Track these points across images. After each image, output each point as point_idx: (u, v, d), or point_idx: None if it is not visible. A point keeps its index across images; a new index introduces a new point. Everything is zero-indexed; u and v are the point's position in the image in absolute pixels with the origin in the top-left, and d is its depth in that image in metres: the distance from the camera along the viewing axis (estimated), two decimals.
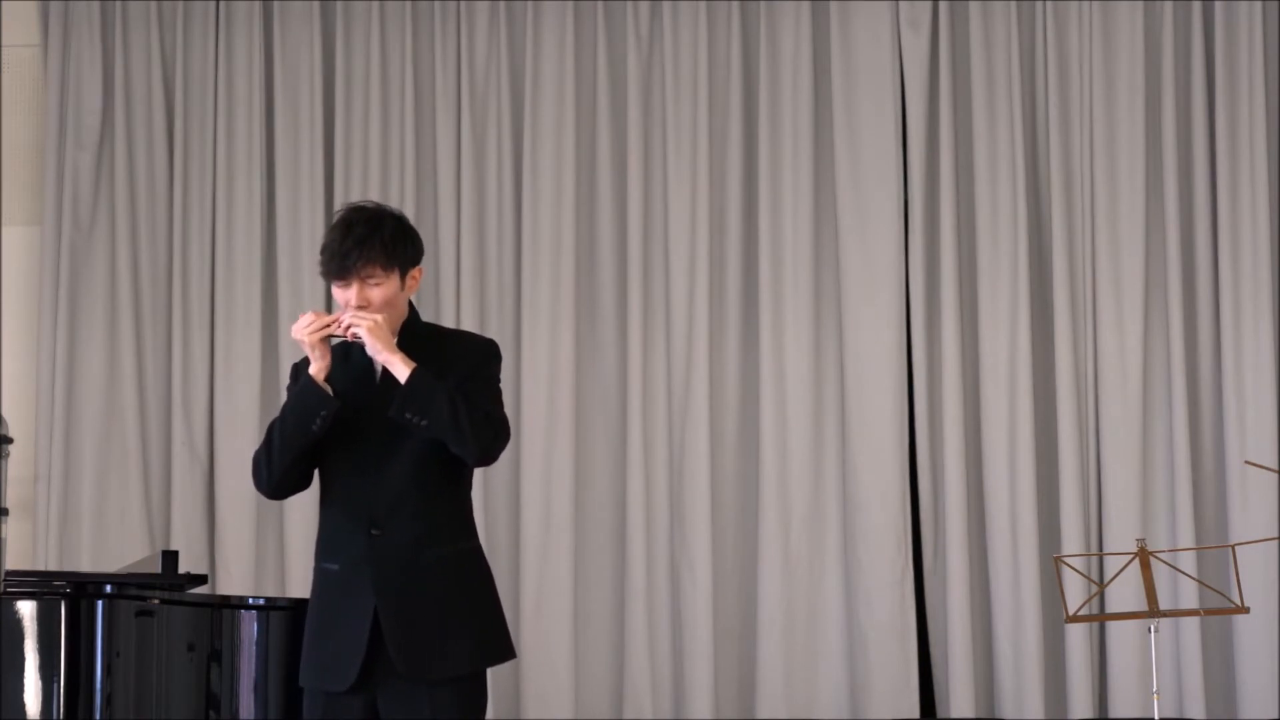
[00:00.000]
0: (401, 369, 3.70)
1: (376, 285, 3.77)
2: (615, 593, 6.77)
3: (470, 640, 3.76)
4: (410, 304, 3.90)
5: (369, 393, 3.81)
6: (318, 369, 3.75)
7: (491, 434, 3.75)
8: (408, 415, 3.67)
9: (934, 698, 6.70)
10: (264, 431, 3.89)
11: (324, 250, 3.81)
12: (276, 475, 3.80)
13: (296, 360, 3.96)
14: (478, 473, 6.57)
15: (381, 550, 3.73)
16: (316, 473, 3.90)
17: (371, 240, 3.76)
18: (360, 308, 3.76)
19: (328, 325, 3.75)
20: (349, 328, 3.74)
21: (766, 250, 6.82)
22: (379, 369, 3.82)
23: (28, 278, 7.00)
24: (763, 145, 6.86)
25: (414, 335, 3.82)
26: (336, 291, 3.81)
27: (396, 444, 3.76)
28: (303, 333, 3.75)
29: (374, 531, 3.74)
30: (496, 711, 6.63)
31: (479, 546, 3.88)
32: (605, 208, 6.93)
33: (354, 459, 3.79)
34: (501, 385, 3.91)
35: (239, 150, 6.94)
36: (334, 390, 3.77)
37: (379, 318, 3.73)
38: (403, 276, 3.82)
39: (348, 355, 3.86)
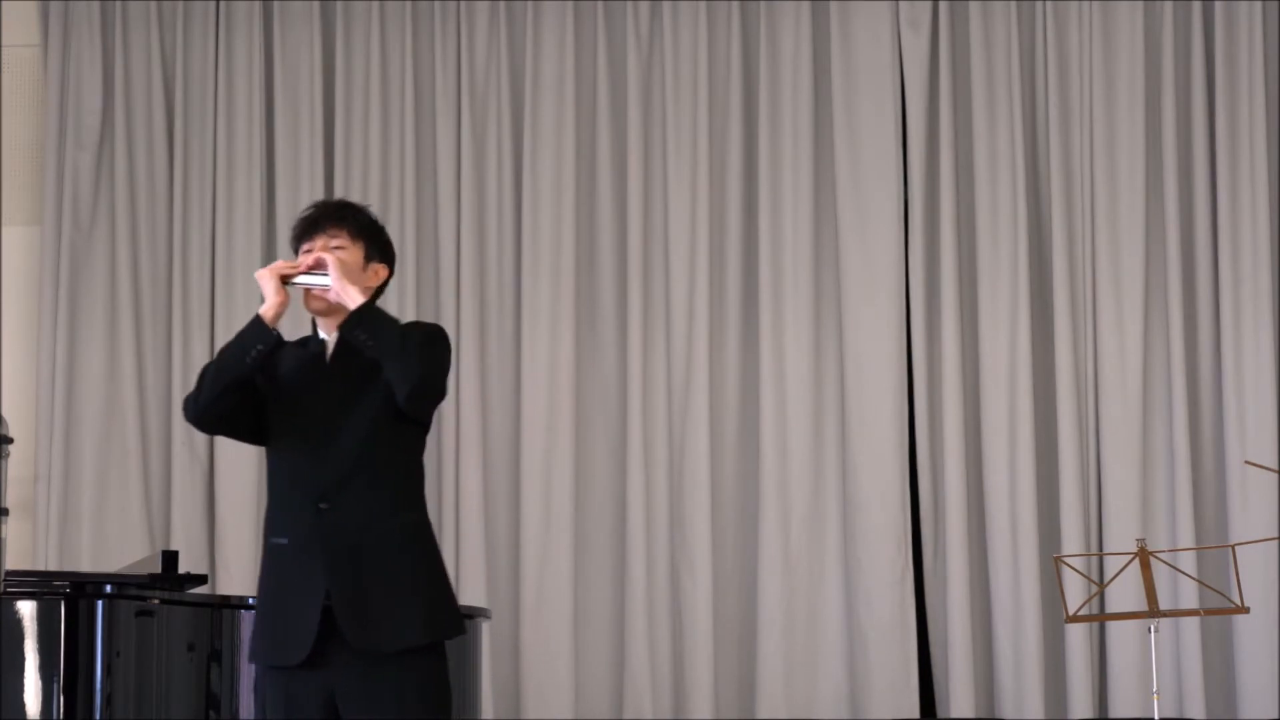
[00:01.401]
0: (357, 296, 3.75)
1: (340, 249, 3.84)
2: (615, 593, 6.77)
3: (421, 612, 3.75)
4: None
5: (319, 373, 3.83)
6: (268, 306, 3.78)
7: (432, 373, 3.75)
8: (358, 333, 3.72)
9: (934, 698, 6.70)
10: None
11: (296, 220, 3.93)
12: (204, 401, 3.80)
13: None
14: (477, 472, 6.65)
15: (330, 524, 3.74)
16: (265, 450, 3.91)
17: (344, 210, 3.91)
18: None
19: (293, 267, 3.83)
20: (314, 260, 3.79)
21: (766, 250, 6.82)
22: (330, 350, 3.84)
23: (28, 278, 7.00)
24: (763, 145, 6.86)
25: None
26: (302, 258, 3.85)
27: (345, 420, 3.78)
28: (265, 270, 3.81)
29: (322, 506, 3.74)
30: (496, 711, 6.64)
31: (427, 520, 3.88)
32: (605, 208, 6.93)
33: (302, 435, 3.80)
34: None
35: (239, 150, 6.94)
36: (285, 367, 3.82)
37: (346, 258, 3.81)
38: (366, 259, 3.87)
39: (304, 345, 3.90)
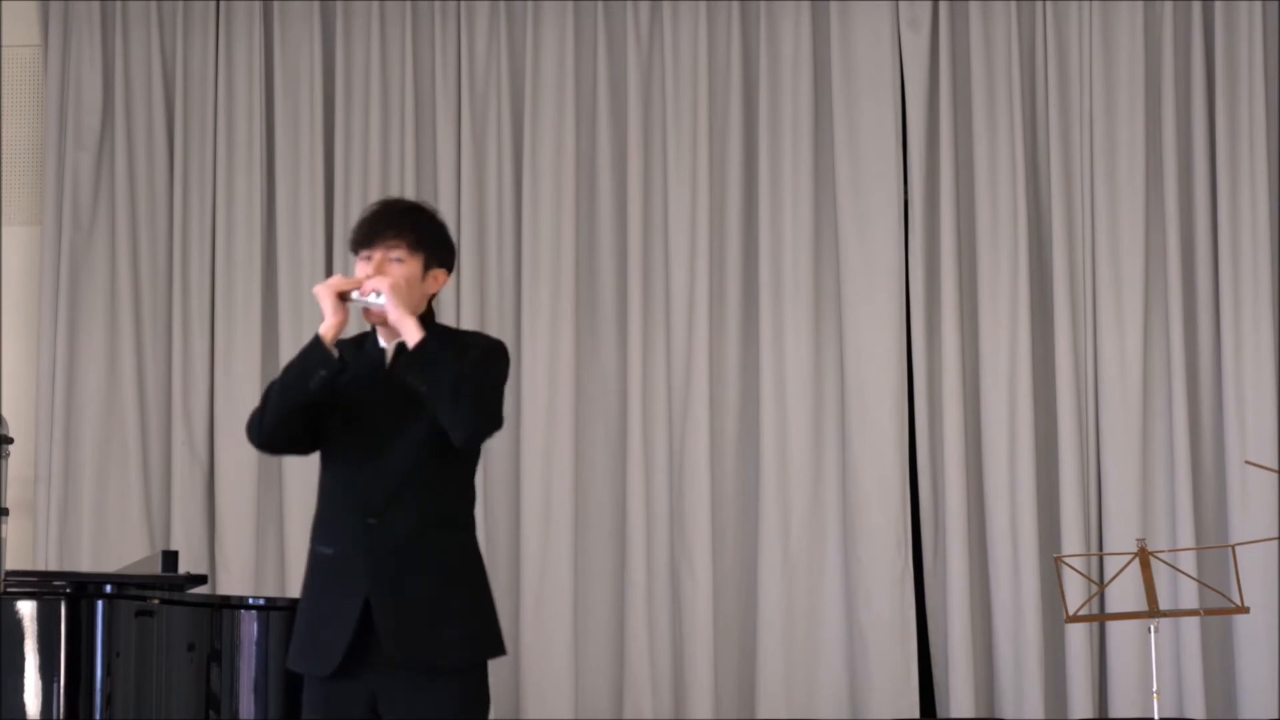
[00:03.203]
0: (414, 332, 3.70)
1: (398, 261, 3.79)
2: (615, 592, 6.77)
3: (463, 631, 3.75)
4: (430, 307, 3.88)
5: (377, 383, 3.81)
6: (327, 326, 3.73)
7: (486, 419, 3.74)
8: (410, 376, 3.68)
9: (934, 698, 6.70)
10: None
11: (356, 223, 3.85)
12: (268, 426, 3.77)
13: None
14: (478, 473, 6.63)
15: (377, 538, 3.73)
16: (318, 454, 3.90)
17: (405, 219, 3.83)
18: None
19: (350, 284, 3.76)
20: (369, 288, 3.73)
21: (766, 250, 6.82)
22: (389, 359, 3.82)
23: (28, 278, 7.00)
24: (763, 145, 6.86)
25: (427, 329, 3.80)
26: (360, 267, 3.81)
27: (400, 434, 3.76)
28: (323, 287, 3.75)
29: (370, 520, 3.74)
30: (496, 711, 6.64)
31: (474, 540, 3.87)
32: (605, 207, 6.93)
33: (356, 446, 3.78)
34: (506, 388, 3.90)
35: (239, 150, 6.94)
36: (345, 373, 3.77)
37: (401, 282, 3.74)
38: (425, 269, 3.83)
39: (361, 344, 3.88)
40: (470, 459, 3.86)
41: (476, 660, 3.79)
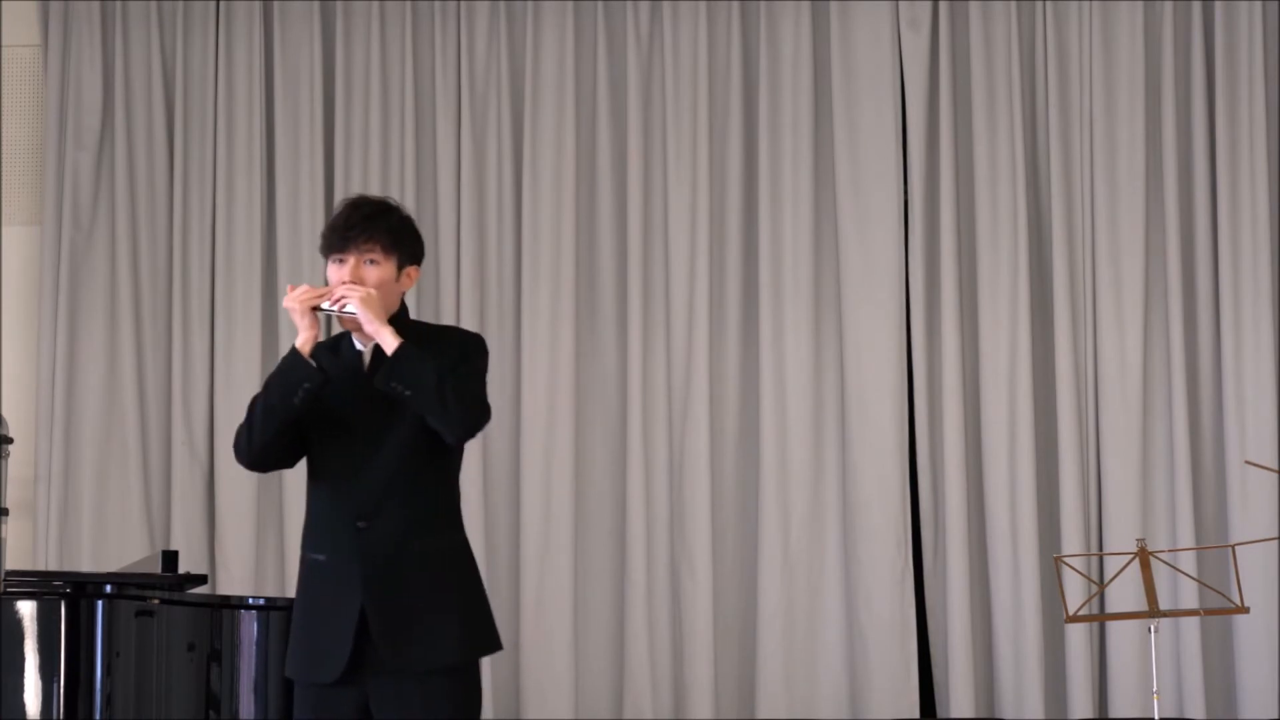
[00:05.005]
0: (390, 340, 3.69)
1: (373, 264, 3.78)
2: (615, 592, 6.77)
3: (456, 631, 3.74)
4: (403, 303, 3.89)
5: (356, 386, 3.80)
6: (304, 340, 3.73)
7: (477, 412, 3.74)
8: (393, 384, 3.66)
9: (934, 698, 6.70)
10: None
11: (328, 226, 3.83)
12: (256, 447, 3.77)
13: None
14: (477, 473, 6.65)
15: (368, 543, 3.73)
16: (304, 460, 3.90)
17: (377, 221, 3.80)
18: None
19: (320, 295, 3.75)
20: (340, 299, 3.72)
21: (766, 250, 6.83)
22: (367, 362, 3.82)
23: (28, 278, 7.00)
24: (763, 145, 6.86)
25: (402, 330, 3.80)
26: (332, 270, 3.79)
27: (384, 437, 3.75)
28: (294, 300, 3.74)
29: (360, 524, 3.73)
30: (496, 711, 6.64)
31: (465, 539, 3.87)
32: (605, 208, 6.93)
33: (340, 451, 3.78)
34: (491, 381, 3.90)
35: (239, 150, 6.94)
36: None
37: (372, 290, 3.73)
38: (399, 268, 3.82)
39: (336, 348, 3.86)
40: (455, 458, 3.85)
41: (472, 659, 3.79)
